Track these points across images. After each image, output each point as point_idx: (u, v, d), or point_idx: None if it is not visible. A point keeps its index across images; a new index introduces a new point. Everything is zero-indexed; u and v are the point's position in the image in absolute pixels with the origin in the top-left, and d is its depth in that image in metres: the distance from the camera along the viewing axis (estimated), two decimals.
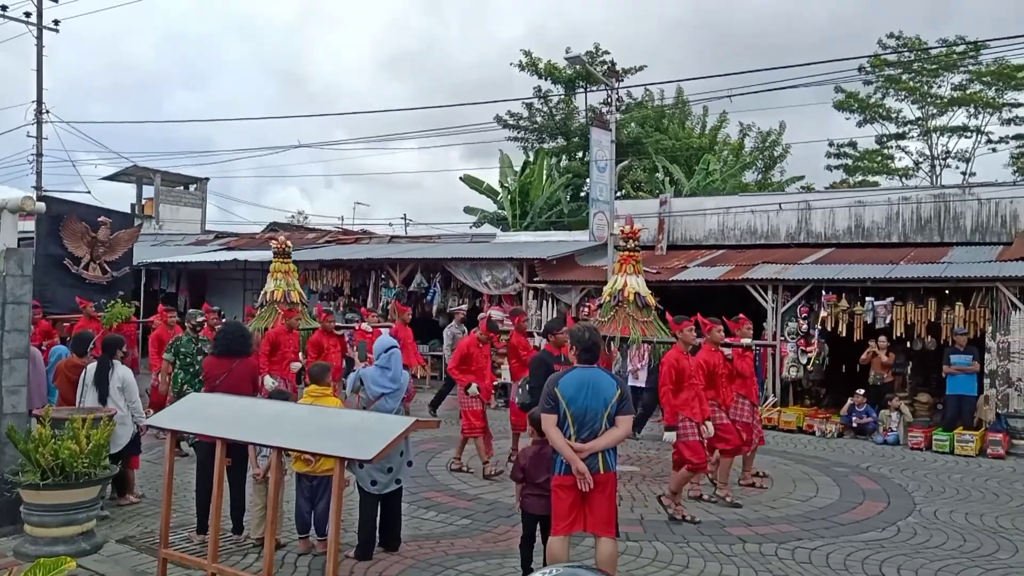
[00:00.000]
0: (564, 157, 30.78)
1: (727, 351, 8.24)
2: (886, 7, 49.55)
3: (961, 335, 11.67)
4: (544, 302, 15.89)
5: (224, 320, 11.05)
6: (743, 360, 8.55)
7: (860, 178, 32.83)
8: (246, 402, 5.89)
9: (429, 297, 17.36)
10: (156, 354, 10.96)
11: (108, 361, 7.24)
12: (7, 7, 22.20)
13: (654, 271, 14.82)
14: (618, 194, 20.43)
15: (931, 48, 29.61)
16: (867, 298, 12.67)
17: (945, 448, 10.96)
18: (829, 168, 33.84)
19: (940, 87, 30.84)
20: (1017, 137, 31.11)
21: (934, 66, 29.78)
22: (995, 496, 8.60)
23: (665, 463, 9.68)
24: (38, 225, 14.48)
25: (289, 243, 12.24)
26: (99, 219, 14.79)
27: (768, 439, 10.10)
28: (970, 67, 29.21)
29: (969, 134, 31.52)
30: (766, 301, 13.44)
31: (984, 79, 29.51)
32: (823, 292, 12.91)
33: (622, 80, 19.31)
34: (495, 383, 11.03)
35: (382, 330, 11.84)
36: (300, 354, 10.68)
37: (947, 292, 12.38)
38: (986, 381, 11.78)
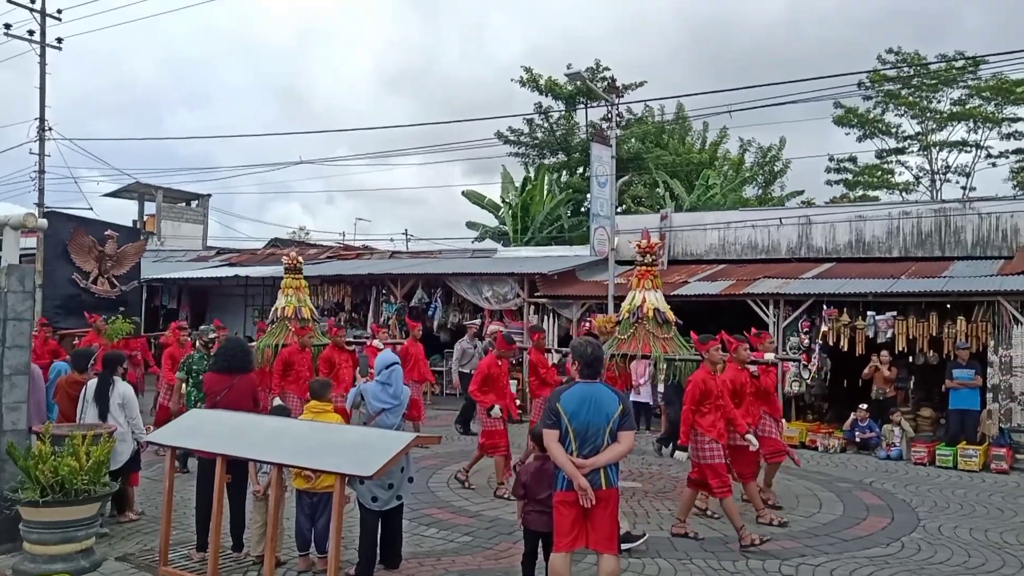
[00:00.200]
0: (565, 172, 30.86)
1: (753, 368, 8.07)
2: (884, 24, 49.85)
3: (963, 349, 11.64)
4: (545, 317, 15.88)
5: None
6: (766, 376, 8.39)
7: (860, 193, 32.91)
8: (246, 418, 5.88)
9: (430, 312, 17.35)
10: (169, 371, 10.88)
11: (109, 377, 7.22)
12: (11, 25, 22.34)
13: None
14: (619, 209, 20.45)
15: (930, 63, 29.75)
16: (869, 312, 12.66)
17: (948, 463, 10.90)
18: (829, 183, 33.97)
19: (939, 102, 30.95)
20: (1017, 152, 31.16)
21: (933, 81, 29.90)
22: (999, 511, 8.55)
23: (668, 479, 9.65)
24: (46, 240, 14.50)
25: (300, 259, 12.12)
26: (106, 233, 14.83)
27: None
28: (969, 82, 29.33)
29: (969, 149, 31.60)
30: (767, 316, 13.43)
31: (983, 94, 29.62)
32: (824, 306, 12.89)
33: (622, 96, 19.40)
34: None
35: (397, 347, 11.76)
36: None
37: (949, 306, 12.36)
38: (989, 395, 11.74)
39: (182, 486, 7.24)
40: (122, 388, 7.23)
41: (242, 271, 20.44)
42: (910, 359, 12.97)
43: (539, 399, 9.47)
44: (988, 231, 14.92)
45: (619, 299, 14.52)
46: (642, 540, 6.68)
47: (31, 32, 22.29)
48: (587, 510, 4.70)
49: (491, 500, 8.39)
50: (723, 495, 6.95)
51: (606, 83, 28.49)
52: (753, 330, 8.90)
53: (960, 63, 26.82)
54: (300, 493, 5.99)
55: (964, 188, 31.57)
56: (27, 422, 6.55)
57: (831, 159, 33.39)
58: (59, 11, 22.81)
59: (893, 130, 32.27)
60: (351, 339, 14.22)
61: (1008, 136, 30.91)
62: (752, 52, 55.53)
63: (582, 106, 30.28)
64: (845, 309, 12.83)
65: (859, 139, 33.01)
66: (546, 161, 31.09)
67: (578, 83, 21.17)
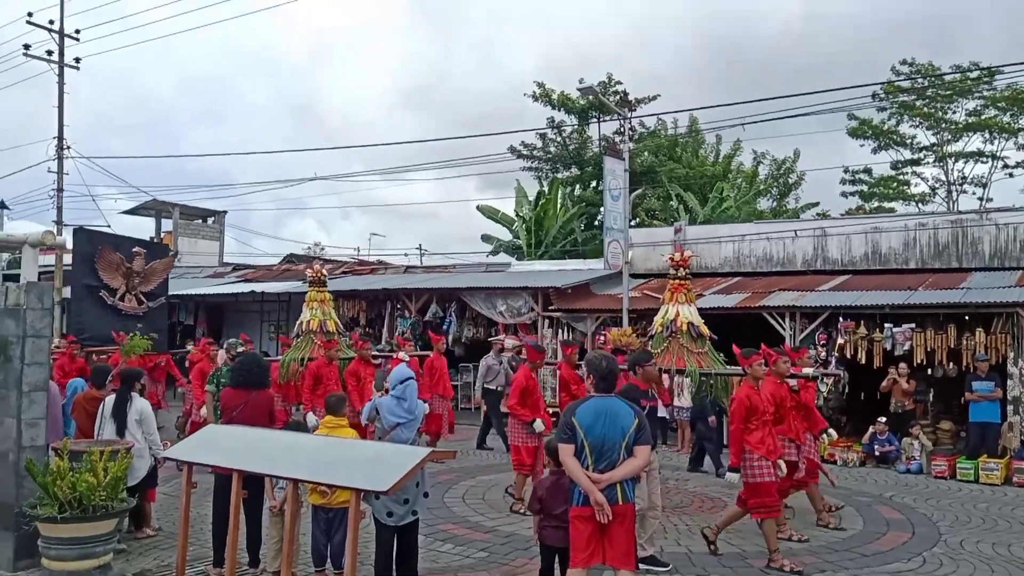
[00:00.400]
0: (578, 186, 30.88)
1: (793, 382, 7.87)
2: (898, 35, 49.74)
3: (982, 361, 11.53)
4: (559, 331, 15.85)
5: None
6: (806, 391, 8.22)
7: (876, 204, 32.74)
8: (262, 433, 5.89)
9: (445, 327, 17.37)
10: (199, 387, 10.89)
11: (126, 393, 7.26)
12: (30, 46, 22.67)
13: None
14: (632, 222, 20.45)
15: (945, 74, 29.62)
16: (886, 325, 12.56)
17: (970, 476, 10.78)
18: (844, 195, 33.82)
19: (954, 113, 30.79)
20: None
21: (948, 92, 29.76)
22: (1022, 525, 8.42)
23: (684, 494, 9.59)
24: (74, 258, 14.60)
25: (324, 271, 12.10)
26: (134, 250, 14.90)
27: None
28: (984, 93, 29.17)
29: (985, 159, 31.39)
30: (783, 328, 13.35)
31: (999, 104, 29.44)
32: (841, 319, 12.81)
33: (635, 109, 19.46)
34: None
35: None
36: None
37: (967, 318, 12.25)
38: (1009, 408, 11.62)
39: (199, 502, 7.26)
40: (139, 404, 7.27)
41: (258, 287, 20.56)
42: (928, 371, 12.84)
43: None
44: (1006, 242, 14.81)
45: (633, 312, 14.52)
46: (666, 572, 6.57)
47: (50, 52, 22.64)
48: (604, 525, 4.66)
49: (507, 515, 8.36)
50: (760, 515, 6.77)
51: (619, 97, 28.56)
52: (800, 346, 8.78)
53: (975, 74, 26.68)
54: (316, 508, 5.99)
55: (981, 199, 31.36)
56: (46, 438, 6.60)
57: (846, 171, 33.29)
58: (77, 31, 23.18)
59: (908, 141, 32.12)
60: (375, 352, 14.22)
61: None
62: (765, 64, 55.55)
63: (595, 120, 30.34)
64: (862, 321, 12.75)
65: (874, 151, 32.89)
66: (559, 175, 31.14)
67: (590, 97, 21.23)
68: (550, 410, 9.58)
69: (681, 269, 9.08)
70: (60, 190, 22.88)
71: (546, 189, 28.83)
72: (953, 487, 10.49)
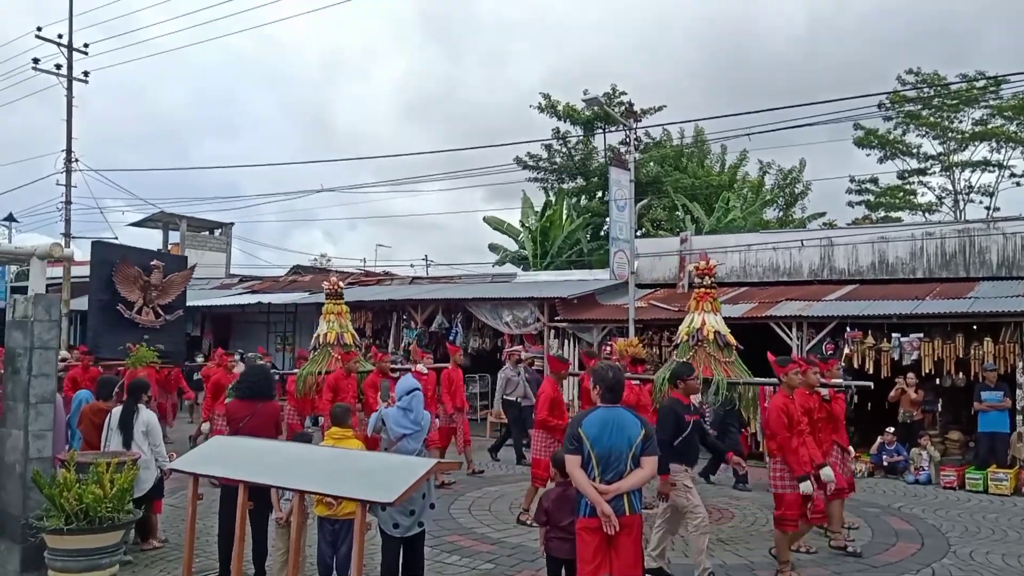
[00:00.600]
0: (584, 197, 30.94)
1: (824, 392, 7.69)
2: (904, 44, 49.76)
3: (991, 371, 11.46)
4: (565, 341, 15.83)
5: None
6: (836, 402, 8.05)
7: (883, 214, 32.68)
8: (268, 445, 5.88)
9: (451, 338, 17.37)
10: (212, 399, 10.85)
11: (133, 405, 7.27)
12: (39, 60, 22.83)
13: (675, 309, 14.75)
14: (638, 233, 20.45)
15: (951, 83, 29.61)
16: (894, 334, 12.51)
17: (979, 487, 10.71)
18: (851, 204, 33.79)
19: (961, 122, 30.76)
20: None
21: (954, 101, 29.74)
22: None
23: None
24: (91, 270, 14.61)
25: (341, 283, 12.06)
26: (152, 263, 14.90)
27: None
28: (991, 102, 29.14)
29: (992, 168, 31.33)
30: (790, 339, 13.30)
31: (1005, 113, 29.41)
32: (848, 329, 12.76)
33: (640, 120, 19.47)
34: None
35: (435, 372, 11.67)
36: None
37: (975, 327, 12.20)
38: (1019, 418, 11.54)
39: (205, 513, 7.25)
40: (146, 416, 7.28)
41: (264, 298, 20.60)
42: (937, 381, 12.77)
43: None
44: (1014, 251, 14.75)
45: (639, 322, 14.50)
46: None
47: (58, 66, 22.77)
48: (611, 537, 4.63)
49: (513, 527, 8.33)
50: (782, 526, 6.66)
51: (624, 107, 28.63)
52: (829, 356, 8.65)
53: (981, 83, 26.68)
54: (322, 520, 5.98)
55: (988, 208, 31.31)
56: (52, 450, 6.61)
57: (852, 180, 33.29)
58: (86, 45, 23.31)
59: (914, 151, 32.09)
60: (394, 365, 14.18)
61: None
62: (771, 74, 55.60)
63: (600, 131, 30.42)
64: (870, 331, 12.70)
65: (880, 160, 32.88)
66: (565, 186, 31.20)
67: (595, 108, 21.31)
68: None
69: (707, 278, 9.02)
70: (68, 202, 22.96)
71: (552, 200, 28.89)
72: (962, 497, 10.42)
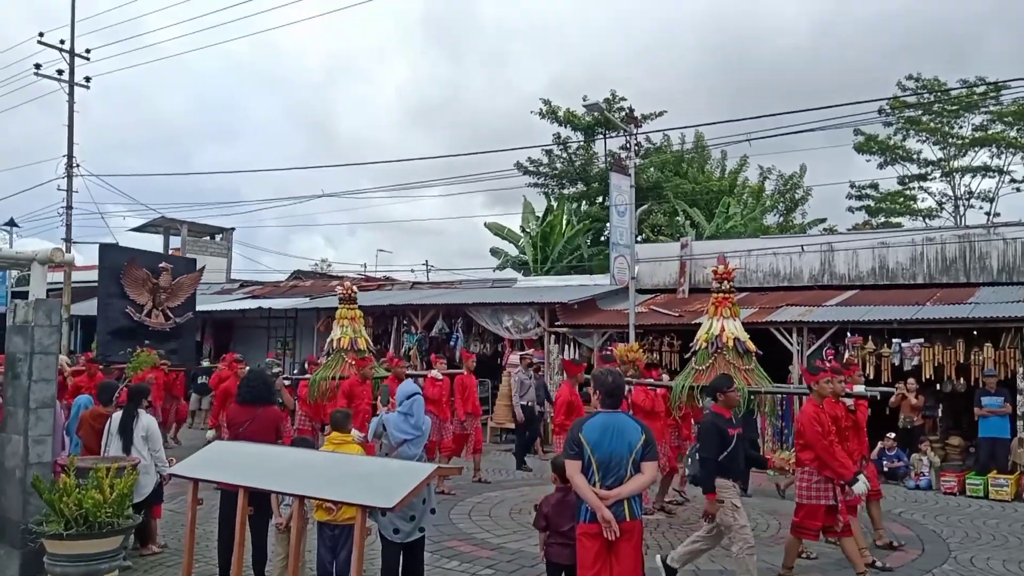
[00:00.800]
0: (584, 202, 30.95)
1: (848, 401, 7.60)
2: (904, 50, 49.85)
3: (991, 376, 11.47)
4: (566, 346, 15.83)
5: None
6: (860, 410, 7.98)
7: (883, 219, 32.68)
8: (268, 450, 5.88)
9: (451, 343, 17.37)
10: (220, 406, 10.75)
11: (133, 410, 7.27)
12: (40, 65, 22.86)
13: (676, 314, 14.76)
14: (638, 238, 20.45)
15: (951, 89, 29.63)
16: (894, 340, 12.51)
17: (979, 492, 10.70)
18: (851, 210, 33.78)
19: (961, 128, 30.78)
20: None
21: (955, 107, 29.75)
22: None
23: (693, 510, 9.51)
24: (100, 273, 14.58)
25: (355, 288, 11.88)
26: (160, 266, 14.86)
27: None
28: (991, 107, 29.15)
29: (992, 174, 31.33)
30: (791, 344, 13.30)
31: (1005, 119, 29.43)
32: (848, 334, 12.76)
33: (640, 126, 19.51)
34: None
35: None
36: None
37: (975, 333, 12.20)
38: (1019, 423, 11.53)
39: (204, 519, 7.25)
40: (145, 421, 7.28)
41: (265, 303, 20.59)
42: (937, 387, 12.77)
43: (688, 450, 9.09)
44: (1014, 256, 14.75)
45: (639, 328, 14.50)
46: None
47: (60, 72, 22.78)
48: (611, 542, 4.63)
49: (513, 532, 8.32)
50: (796, 533, 6.65)
51: (624, 113, 28.68)
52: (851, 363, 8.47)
53: (981, 88, 26.68)
54: (321, 525, 5.97)
55: (988, 213, 31.27)
56: (52, 455, 6.61)
57: (852, 186, 33.26)
58: (88, 51, 23.34)
59: (915, 156, 32.10)
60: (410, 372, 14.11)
61: None
62: (771, 80, 55.67)
63: (601, 136, 30.45)
64: (870, 336, 12.70)
65: (880, 166, 32.87)
66: (566, 191, 31.22)
67: (596, 114, 21.32)
68: None
69: (725, 282, 8.74)
70: (69, 208, 22.96)
71: (553, 205, 28.92)
72: (963, 503, 10.40)
